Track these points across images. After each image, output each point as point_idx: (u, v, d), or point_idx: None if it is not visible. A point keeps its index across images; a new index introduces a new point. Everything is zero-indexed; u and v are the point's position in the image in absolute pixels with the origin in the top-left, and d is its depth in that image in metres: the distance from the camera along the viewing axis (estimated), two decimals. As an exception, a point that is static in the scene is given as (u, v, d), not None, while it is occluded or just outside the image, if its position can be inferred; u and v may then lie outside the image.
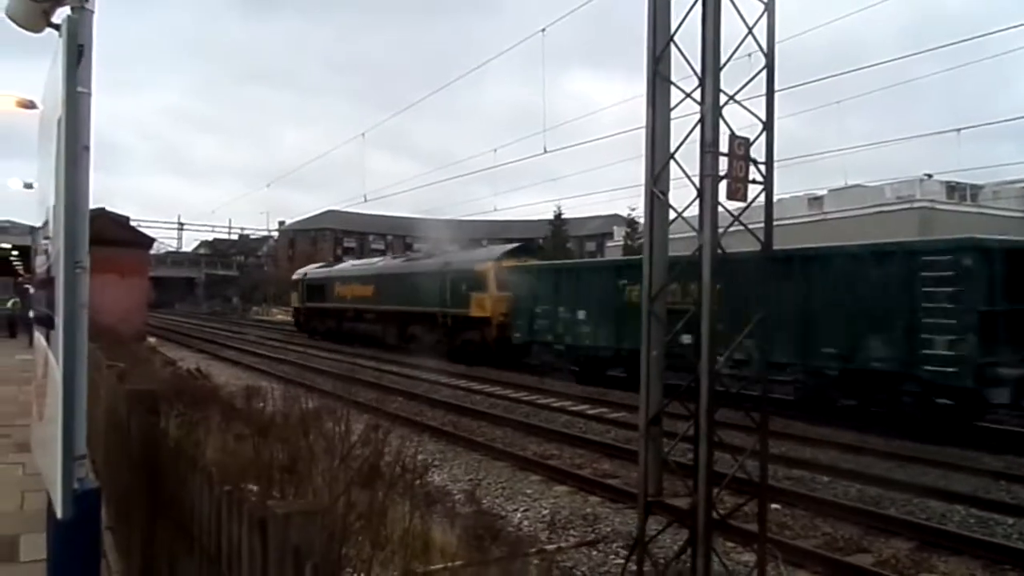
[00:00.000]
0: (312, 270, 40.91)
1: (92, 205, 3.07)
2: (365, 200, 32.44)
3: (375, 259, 41.62)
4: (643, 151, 5.00)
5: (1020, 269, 12.61)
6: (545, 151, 21.27)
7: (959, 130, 23.90)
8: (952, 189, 35.29)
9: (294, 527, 1.88)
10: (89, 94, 2.93)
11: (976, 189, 36.26)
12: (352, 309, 32.99)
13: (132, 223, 37.55)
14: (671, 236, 5.03)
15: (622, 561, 6.58)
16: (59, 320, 2.70)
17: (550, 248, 61.55)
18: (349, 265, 39.25)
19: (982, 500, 8.66)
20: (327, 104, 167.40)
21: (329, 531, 1.96)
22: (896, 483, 9.37)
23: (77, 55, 2.66)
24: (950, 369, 12.13)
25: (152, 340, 28.89)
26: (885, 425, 12.78)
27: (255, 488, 3.47)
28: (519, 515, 8.39)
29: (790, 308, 13.43)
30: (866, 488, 9.30)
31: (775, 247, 5.04)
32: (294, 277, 42.58)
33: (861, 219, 31.40)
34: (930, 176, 34.49)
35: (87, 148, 2.88)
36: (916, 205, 32.23)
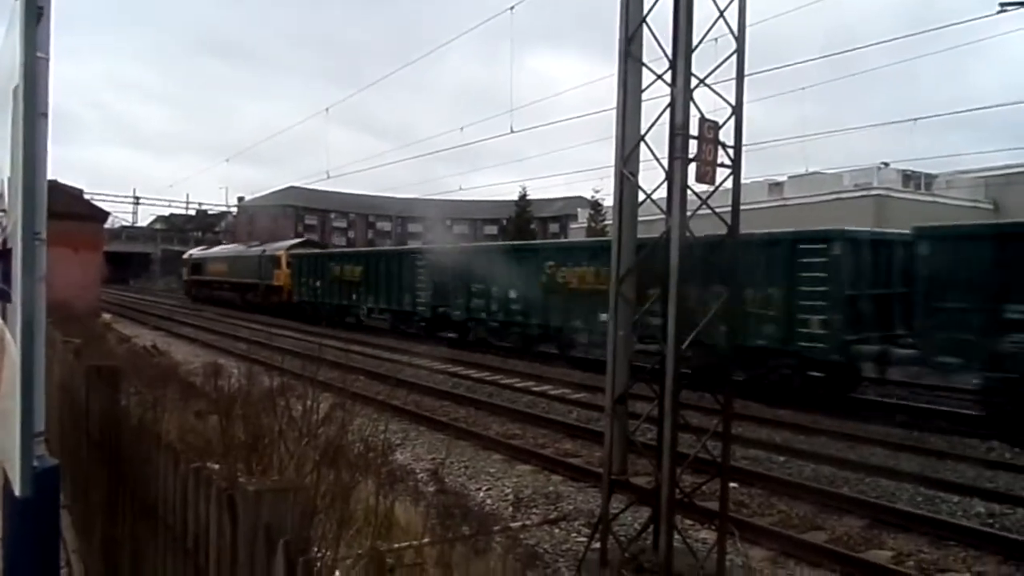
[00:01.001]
0: (195, 253, 53.26)
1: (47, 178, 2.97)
2: (328, 177, 32.11)
3: (229, 246, 53.31)
4: (610, 133, 5.01)
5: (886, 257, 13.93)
6: (512, 131, 21.18)
7: (915, 120, 24.47)
8: (908, 178, 36.12)
9: (265, 504, 1.86)
10: (48, 60, 2.82)
11: (930, 178, 37.17)
12: (216, 281, 45.38)
13: (86, 196, 36.51)
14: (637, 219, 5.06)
15: (584, 539, 6.67)
16: (16, 295, 2.61)
17: (513, 229, 61.61)
18: (216, 250, 52.39)
19: (930, 479, 8.97)
20: (286, 78, 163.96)
21: (301, 508, 1.95)
22: (848, 463, 9.66)
23: (36, 18, 2.55)
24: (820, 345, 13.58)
25: (107, 316, 28.23)
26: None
27: (217, 467, 3.42)
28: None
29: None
30: (819, 467, 9.57)
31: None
32: (184, 256, 54.90)
33: (819, 205, 32.02)
34: (887, 164, 35.28)
35: (45, 115, 2.77)
36: (872, 193, 32.96)
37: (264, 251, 39.48)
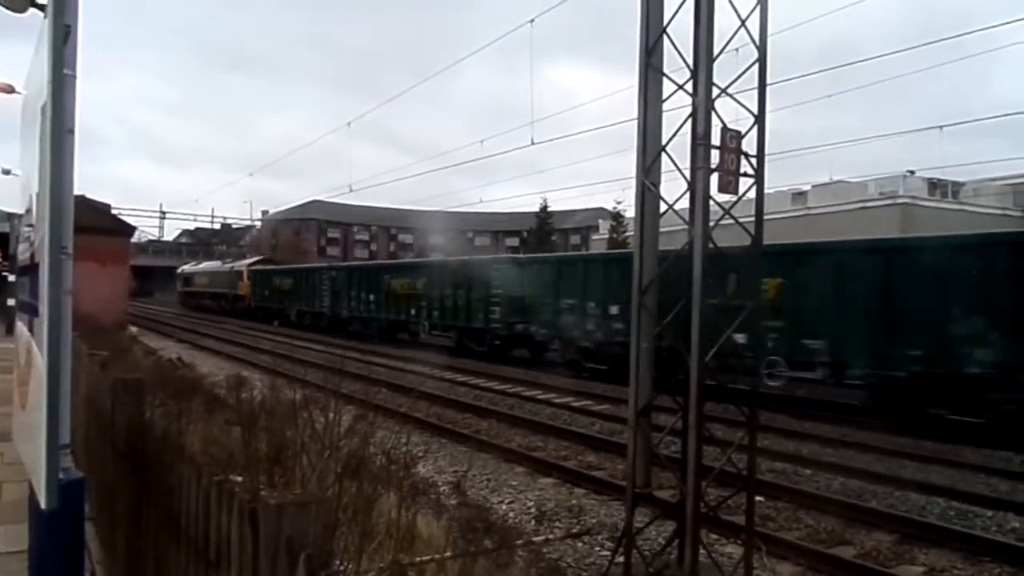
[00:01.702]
0: (186, 268, 60.53)
1: (74, 193, 3.01)
2: (351, 190, 32.39)
3: (211, 262, 59.83)
4: (631, 144, 4.99)
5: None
6: (532, 143, 21.22)
7: (942, 127, 24.18)
8: (934, 186, 35.64)
9: (287, 518, 1.86)
10: (75, 76, 2.86)
11: (957, 186, 36.65)
12: (200, 291, 53.46)
13: (113, 211, 37.09)
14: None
15: (607, 553, 6.60)
16: (43, 307, 2.64)
17: (534, 241, 61.63)
18: (201, 266, 59.38)
19: (962, 493, 8.78)
20: (307, 92, 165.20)
21: (323, 522, 1.94)
22: (877, 476, 9.49)
23: (64, 36, 2.59)
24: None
25: (133, 329, 28.59)
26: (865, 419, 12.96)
27: (240, 479, 3.43)
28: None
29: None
30: (848, 481, 9.41)
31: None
32: (177, 271, 62.26)
33: (844, 214, 31.67)
34: (913, 173, 34.83)
35: (72, 132, 2.81)
36: (898, 201, 32.54)
37: (232, 267, 49.27)
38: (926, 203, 33.16)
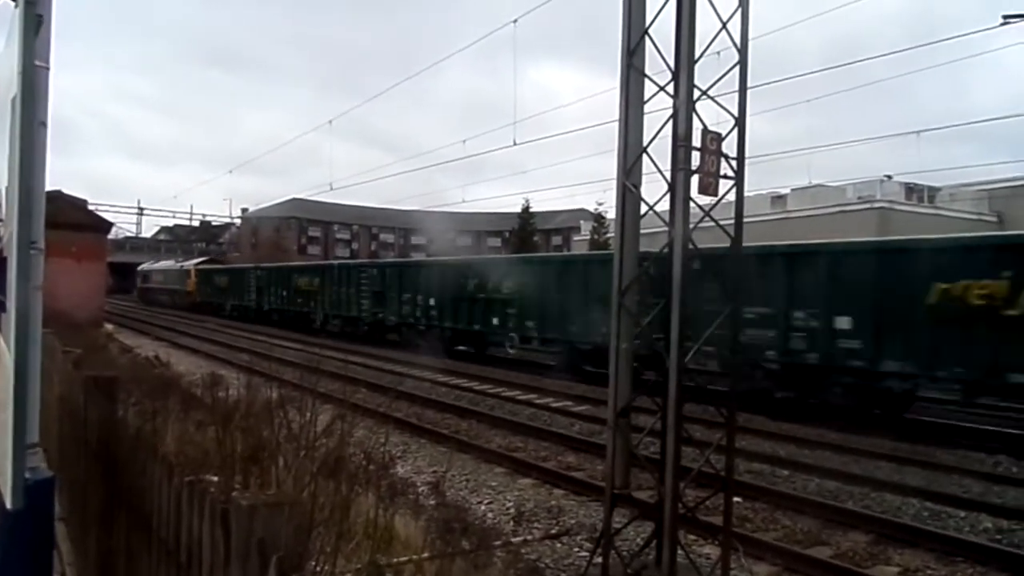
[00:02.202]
0: (144, 266, 64.30)
1: (47, 187, 2.95)
2: (331, 189, 32.23)
3: (166, 261, 63.08)
4: (612, 145, 4.99)
5: None
6: (515, 144, 21.21)
7: (919, 132, 24.47)
8: (911, 190, 36.08)
9: (259, 519, 1.83)
10: (47, 68, 2.81)
11: (934, 191, 37.12)
12: (156, 288, 58.34)
13: (89, 207, 36.62)
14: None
15: (586, 554, 6.60)
16: (11, 303, 2.59)
17: (516, 241, 61.64)
18: (157, 264, 63.05)
19: (936, 494, 8.88)
20: (285, 87, 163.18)
21: (296, 523, 1.91)
22: (853, 477, 9.58)
23: (36, 26, 2.54)
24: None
25: (109, 327, 28.24)
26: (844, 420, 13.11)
27: (216, 479, 3.39)
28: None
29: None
30: (824, 481, 9.49)
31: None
32: (137, 269, 65.79)
33: (823, 218, 31.98)
34: (890, 177, 35.25)
35: (44, 125, 2.76)
36: (876, 205, 32.92)
37: (182, 266, 54.98)
38: (903, 207, 33.58)
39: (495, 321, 22.33)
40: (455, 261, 28.54)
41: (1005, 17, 11.89)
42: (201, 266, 52.52)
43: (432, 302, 25.21)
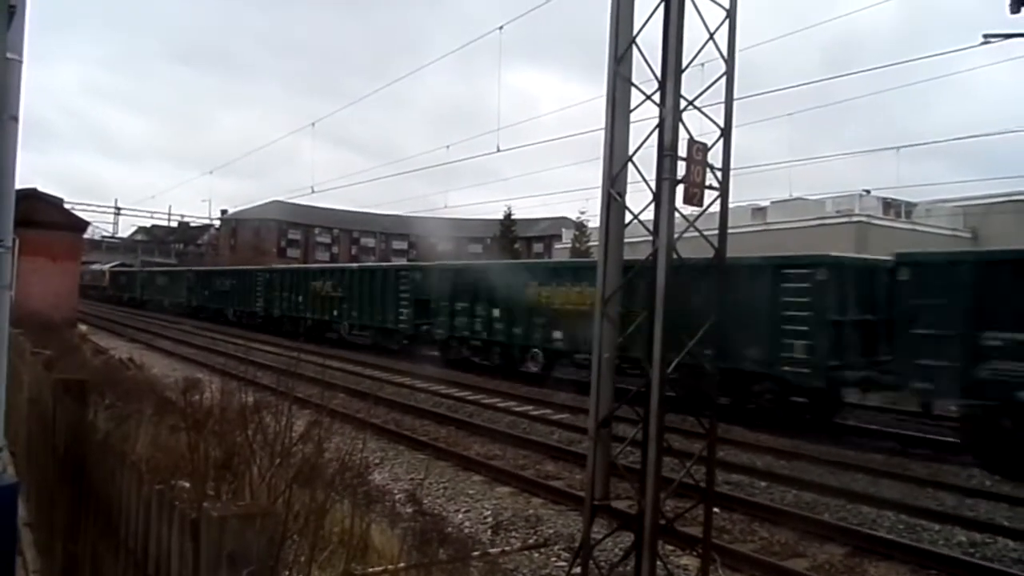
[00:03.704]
0: (109, 267, 69.74)
1: (22, 185, 2.87)
2: (313, 192, 31.99)
3: (97, 264, 70.24)
4: (595, 153, 4.97)
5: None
6: (499, 150, 21.15)
7: (898, 148, 24.78)
8: (888, 205, 36.52)
9: (230, 532, 1.76)
10: (20, 61, 2.73)
11: (910, 206, 37.61)
12: (91, 285, 62.77)
13: (66, 206, 36.03)
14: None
15: (564, 564, 6.55)
16: (-22, 302, 2.50)
17: (497, 248, 61.60)
18: (91, 266, 67.15)
19: (911, 507, 8.93)
20: (262, 87, 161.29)
21: (269, 535, 1.84)
22: (829, 488, 9.61)
23: (8, 18, 2.46)
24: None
25: (83, 327, 27.78)
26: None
27: (188, 485, 3.30)
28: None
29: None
30: (801, 493, 9.51)
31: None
32: (104, 268, 71.33)
33: (802, 230, 32.27)
34: (868, 192, 35.65)
35: (15, 119, 2.68)
36: (854, 219, 33.29)
37: (103, 267, 67.51)
38: (880, 222, 34.00)
39: (135, 291, 52.73)
40: (128, 270, 49.33)
41: (985, 36, 12.07)
42: (116, 268, 68.14)
43: (159, 283, 44.11)
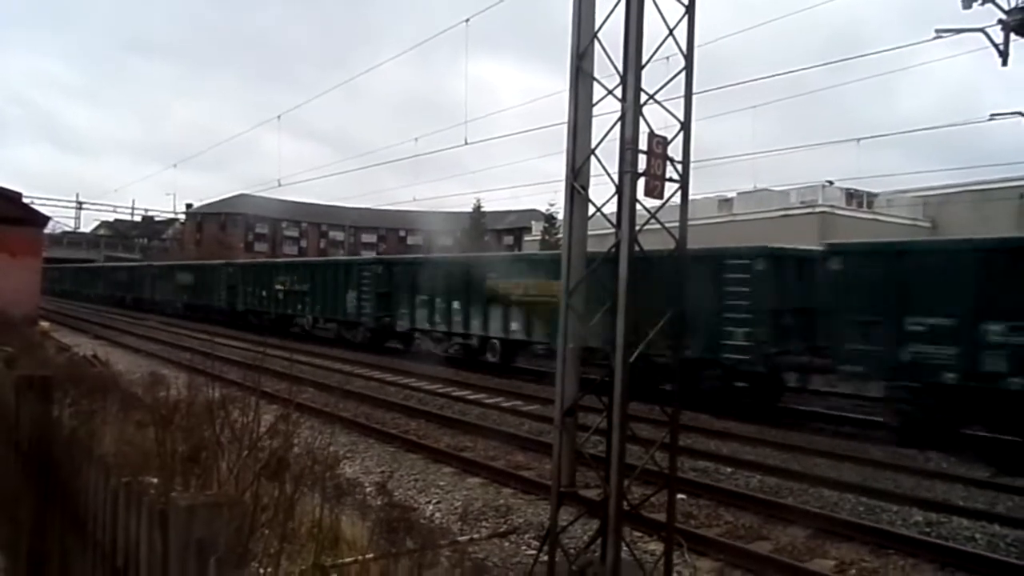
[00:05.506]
0: (77, 266, 70.87)
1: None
2: (279, 185, 31.71)
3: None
4: (562, 146, 5.04)
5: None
6: (467, 143, 21.16)
7: (859, 140, 25.26)
8: (851, 196, 37.17)
9: (198, 520, 1.80)
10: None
11: (872, 196, 38.33)
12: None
13: (25, 200, 35.21)
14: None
15: (533, 552, 6.65)
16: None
17: (466, 241, 61.55)
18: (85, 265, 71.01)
19: (871, 489, 9.19)
20: (219, 81, 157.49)
21: (236, 524, 1.89)
22: (793, 473, 9.85)
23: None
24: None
25: (45, 324, 27.22)
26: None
27: (156, 480, 3.32)
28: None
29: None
30: (766, 478, 9.73)
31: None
32: (72, 267, 72.33)
33: (767, 221, 32.76)
34: (831, 183, 36.25)
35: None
36: (817, 210, 33.86)
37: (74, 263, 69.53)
38: (843, 212, 34.62)
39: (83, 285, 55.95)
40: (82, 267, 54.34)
41: (938, 31, 12.40)
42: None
43: (84, 278, 48.05)
